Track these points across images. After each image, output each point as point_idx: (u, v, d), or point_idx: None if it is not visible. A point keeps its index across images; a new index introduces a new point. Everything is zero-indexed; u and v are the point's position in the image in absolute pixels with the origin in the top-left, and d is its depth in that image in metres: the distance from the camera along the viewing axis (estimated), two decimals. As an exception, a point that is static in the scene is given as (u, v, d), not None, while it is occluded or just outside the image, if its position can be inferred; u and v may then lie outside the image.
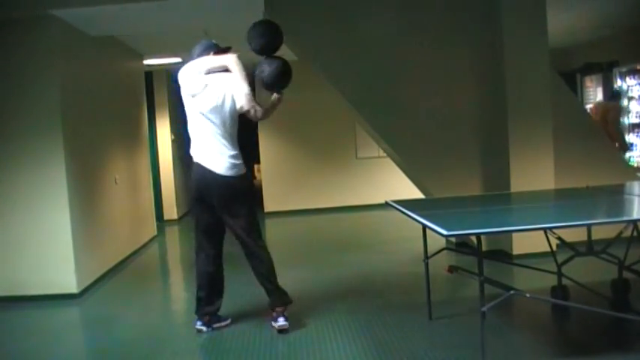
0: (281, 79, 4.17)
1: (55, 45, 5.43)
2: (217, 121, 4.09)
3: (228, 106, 4.11)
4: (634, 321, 3.82)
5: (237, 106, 4.13)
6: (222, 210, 4.16)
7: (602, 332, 3.91)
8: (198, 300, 4.33)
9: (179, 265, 7.53)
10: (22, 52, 5.35)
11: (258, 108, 4.20)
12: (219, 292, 4.37)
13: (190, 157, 4.24)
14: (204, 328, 4.30)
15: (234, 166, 4.13)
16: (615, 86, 9.13)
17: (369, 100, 5.96)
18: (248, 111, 4.15)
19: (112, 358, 4.09)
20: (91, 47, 6.34)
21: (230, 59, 4.08)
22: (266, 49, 4.18)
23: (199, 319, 4.32)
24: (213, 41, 4.34)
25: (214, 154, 4.10)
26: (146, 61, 8.60)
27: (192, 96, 4.09)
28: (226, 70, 4.10)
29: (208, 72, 4.09)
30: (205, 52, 4.21)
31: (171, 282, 6.67)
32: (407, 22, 5.92)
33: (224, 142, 4.12)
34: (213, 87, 4.08)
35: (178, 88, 4.27)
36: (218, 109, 4.09)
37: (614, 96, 8.35)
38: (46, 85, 5.36)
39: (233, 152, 4.14)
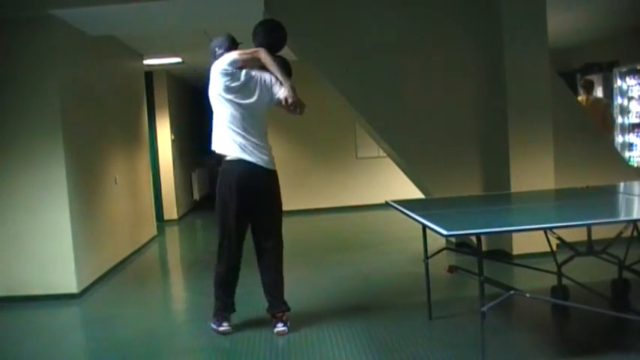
0: None
1: (55, 45, 5.43)
2: (257, 115, 4.09)
3: (266, 99, 4.11)
4: (634, 321, 3.82)
5: (277, 99, 4.10)
6: (265, 206, 4.13)
7: (602, 332, 3.90)
8: (227, 305, 4.27)
9: (179, 265, 7.53)
10: (22, 52, 5.35)
11: (301, 102, 4.16)
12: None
13: (212, 156, 4.14)
14: (231, 329, 4.25)
15: (272, 159, 4.16)
16: (588, 77, 9.07)
17: (368, 100, 5.96)
18: (292, 104, 4.08)
19: (112, 358, 4.08)
20: (91, 47, 6.33)
21: (263, 53, 4.03)
22: (270, 48, 4.17)
23: (227, 320, 4.26)
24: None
25: (257, 148, 4.07)
26: (146, 61, 8.61)
27: (231, 91, 4.01)
28: (259, 63, 4.05)
29: (244, 67, 4.03)
30: (233, 46, 4.15)
31: (171, 282, 6.67)
32: (407, 23, 5.93)
33: (262, 135, 4.13)
34: (253, 81, 4.06)
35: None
36: (259, 103, 4.08)
37: (587, 88, 8.29)
38: (45, 85, 5.36)
39: (268, 145, 4.17)
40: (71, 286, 5.45)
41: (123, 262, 6.83)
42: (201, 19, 6.26)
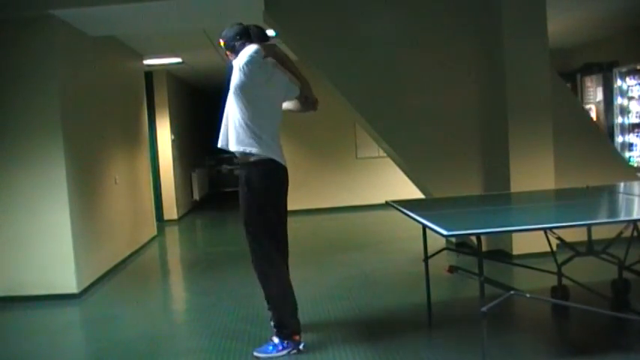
0: None
1: (55, 45, 5.43)
2: (277, 110, 3.92)
3: (282, 95, 3.94)
4: (634, 321, 3.82)
5: (296, 95, 3.96)
6: (285, 204, 3.97)
7: (602, 332, 3.90)
8: (297, 313, 3.92)
9: (179, 265, 7.53)
10: (22, 53, 5.35)
11: (315, 98, 4.03)
12: None
13: (224, 155, 3.98)
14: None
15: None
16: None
17: (369, 100, 5.97)
18: (310, 101, 3.97)
19: (112, 358, 4.08)
20: (91, 47, 6.34)
21: (277, 48, 3.82)
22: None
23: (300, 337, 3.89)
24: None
25: (279, 146, 3.88)
26: (146, 61, 8.61)
27: (257, 85, 3.69)
28: (274, 58, 3.80)
29: (266, 56, 3.73)
30: (250, 39, 3.83)
31: (171, 282, 6.67)
32: (407, 23, 5.94)
33: (278, 131, 3.94)
34: (275, 76, 3.85)
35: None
36: (279, 99, 3.92)
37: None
38: (45, 85, 5.36)
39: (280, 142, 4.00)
40: (71, 286, 5.45)
41: (123, 262, 6.82)
42: (201, 19, 6.26)
